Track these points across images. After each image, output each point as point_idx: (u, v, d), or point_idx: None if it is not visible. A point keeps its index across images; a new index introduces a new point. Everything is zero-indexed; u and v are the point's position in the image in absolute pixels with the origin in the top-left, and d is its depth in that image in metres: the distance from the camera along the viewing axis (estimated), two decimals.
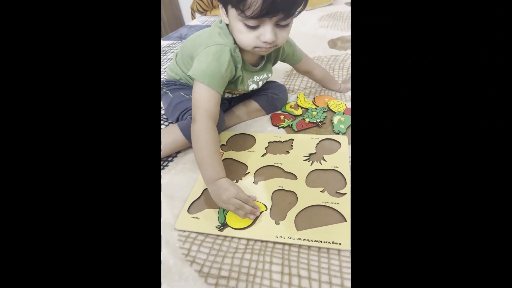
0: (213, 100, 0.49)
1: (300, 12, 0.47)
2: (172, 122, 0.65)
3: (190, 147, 0.57)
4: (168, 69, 0.68)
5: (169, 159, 0.59)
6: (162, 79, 0.69)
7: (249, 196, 0.45)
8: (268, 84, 0.70)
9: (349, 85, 0.76)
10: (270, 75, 0.63)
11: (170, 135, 0.56)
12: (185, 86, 0.64)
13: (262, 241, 0.42)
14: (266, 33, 0.45)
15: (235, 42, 0.51)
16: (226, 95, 0.62)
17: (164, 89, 0.66)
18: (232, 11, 0.45)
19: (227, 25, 0.51)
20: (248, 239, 0.43)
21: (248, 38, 0.47)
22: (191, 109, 0.56)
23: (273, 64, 0.64)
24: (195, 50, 0.54)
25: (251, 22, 0.45)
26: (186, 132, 0.55)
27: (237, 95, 0.65)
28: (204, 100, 0.49)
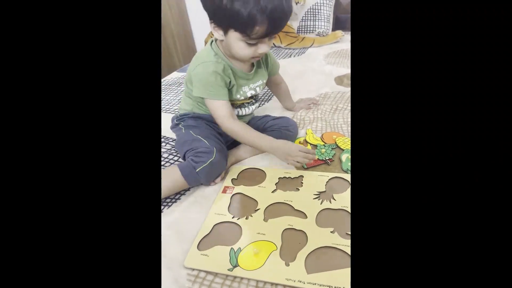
0: (222, 106, 0.60)
1: None
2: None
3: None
4: (181, 103, 0.73)
5: (181, 192, 0.60)
6: (177, 114, 0.73)
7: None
8: (281, 120, 0.73)
9: (301, 104, 0.89)
10: (264, 81, 0.70)
11: (169, 177, 0.57)
12: (197, 118, 0.68)
13: (272, 283, 0.42)
14: (265, 47, 0.56)
15: (226, 56, 0.61)
16: (236, 111, 0.68)
17: (180, 125, 0.69)
18: (234, 34, 0.54)
19: (214, 40, 0.62)
20: (257, 281, 0.42)
21: (247, 52, 0.56)
22: (195, 149, 0.60)
23: (267, 69, 0.71)
24: (189, 77, 0.64)
25: (253, 41, 0.54)
26: (184, 172, 0.57)
27: (246, 115, 0.71)
28: (216, 109, 0.61)
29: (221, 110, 0.60)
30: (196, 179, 0.58)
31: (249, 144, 0.62)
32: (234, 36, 0.54)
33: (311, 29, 1.61)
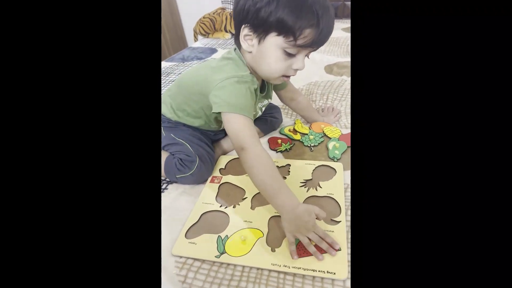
0: (252, 126, 0.49)
1: None
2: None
3: None
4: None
5: (170, 182, 0.60)
6: None
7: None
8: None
9: (330, 118, 0.77)
10: (269, 100, 0.66)
11: None
12: (175, 126, 0.63)
13: (258, 268, 0.43)
14: (300, 61, 0.49)
15: (250, 72, 0.52)
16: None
17: None
18: (274, 39, 0.46)
19: (235, 49, 0.54)
20: (243, 266, 0.43)
21: (282, 66, 0.49)
22: (179, 152, 0.59)
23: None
24: (206, 86, 0.52)
25: (293, 50, 0.47)
26: (166, 170, 0.59)
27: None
28: (245, 127, 0.48)
29: (248, 129, 0.48)
30: (175, 181, 0.60)
31: (263, 189, 0.46)
32: (273, 43, 0.46)
33: None
